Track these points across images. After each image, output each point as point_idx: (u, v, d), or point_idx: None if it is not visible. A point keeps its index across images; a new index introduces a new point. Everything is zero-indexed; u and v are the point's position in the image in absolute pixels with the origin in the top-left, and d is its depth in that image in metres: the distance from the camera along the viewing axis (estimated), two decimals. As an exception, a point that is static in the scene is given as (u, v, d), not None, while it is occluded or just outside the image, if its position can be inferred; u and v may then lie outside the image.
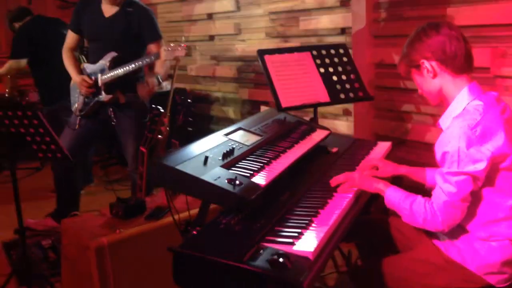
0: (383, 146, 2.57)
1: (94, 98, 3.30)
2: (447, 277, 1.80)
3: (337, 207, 1.78)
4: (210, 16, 5.06)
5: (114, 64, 3.21)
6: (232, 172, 1.75)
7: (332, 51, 2.87)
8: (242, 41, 4.79)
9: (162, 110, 2.21)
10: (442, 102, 1.89)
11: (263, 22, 4.53)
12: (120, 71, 3.15)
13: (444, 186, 1.70)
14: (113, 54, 3.23)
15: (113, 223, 2.11)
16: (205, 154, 1.81)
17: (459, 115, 1.76)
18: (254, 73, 4.76)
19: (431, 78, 1.84)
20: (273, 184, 1.79)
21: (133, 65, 3.10)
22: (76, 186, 3.57)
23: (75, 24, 3.42)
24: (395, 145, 3.30)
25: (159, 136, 2.21)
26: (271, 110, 2.64)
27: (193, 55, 5.42)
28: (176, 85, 5.35)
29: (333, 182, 2.00)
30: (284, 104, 2.56)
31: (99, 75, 3.27)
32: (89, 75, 3.33)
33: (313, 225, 1.64)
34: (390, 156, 2.54)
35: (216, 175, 1.68)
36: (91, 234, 2.02)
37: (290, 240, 1.52)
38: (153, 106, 2.23)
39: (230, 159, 1.84)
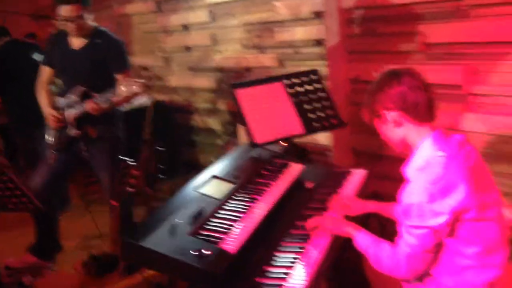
0: (358, 177, 2.54)
1: (65, 132, 3.25)
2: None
3: (309, 265, 1.76)
4: (185, 27, 4.98)
5: (82, 99, 3.16)
6: (201, 239, 1.72)
7: (304, 79, 2.83)
8: (219, 52, 4.72)
9: (132, 163, 2.17)
10: (406, 149, 1.88)
11: (239, 33, 4.47)
12: (87, 105, 3.10)
13: (407, 238, 1.72)
14: (81, 88, 3.18)
15: (87, 282, 2.08)
16: (172, 222, 1.78)
17: (421, 168, 1.75)
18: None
19: (394, 127, 1.84)
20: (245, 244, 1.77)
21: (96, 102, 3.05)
22: (53, 217, 3.52)
23: (47, 59, 3.39)
24: (373, 162, 3.31)
25: (130, 189, 2.17)
26: (245, 147, 2.61)
27: (170, 66, 5.35)
28: (155, 97, 5.31)
29: (308, 226, 2.02)
30: (258, 140, 2.52)
31: (69, 109, 3.21)
32: (60, 109, 3.27)
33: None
34: (366, 184, 2.54)
35: (183, 246, 1.66)
36: (65, 298, 1.99)
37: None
38: (123, 158, 2.19)
39: (199, 222, 1.81)
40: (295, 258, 1.82)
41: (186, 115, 5.36)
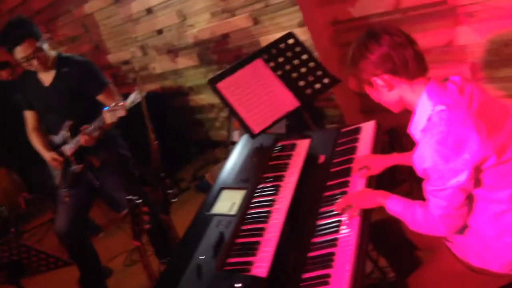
0: (368, 130, 2.43)
1: (70, 169, 3.20)
2: (475, 282, 1.76)
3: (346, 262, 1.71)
4: (149, 11, 4.75)
5: (73, 133, 3.07)
6: (229, 272, 1.68)
7: (282, 46, 2.66)
8: (191, 27, 4.52)
9: (138, 201, 2.12)
10: (404, 109, 1.77)
11: (204, 2, 4.24)
12: (79, 139, 3.02)
13: (435, 201, 1.65)
14: (69, 123, 3.08)
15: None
16: (195, 260, 1.73)
17: (425, 129, 1.64)
18: (215, 55, 4.54)
19: (387, 91, 1.71)
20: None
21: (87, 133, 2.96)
22: (88, 248, 3.51)
23: (25, 103, 3.25)
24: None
25: (146, 225, 2.13)
26: (245, 139, 2.51)
27: (149, 53, 5.18)
28: (144, 87, 5.20)
29: (337, 209, 1.95)
30: (255, 130, 2.41)
31: (65, 146, 3.14)
32: (57, 147, 3.20)
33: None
34: (378, 135, 2.44)
35: (214, 287, 1.61)
36: None
37: None
38: (128, 198, 2.14)
39: (222, 252, 1.76)
40: (330, 254, 1.77)
41: (181, 98, 5.25)
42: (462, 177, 1.56)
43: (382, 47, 1.64)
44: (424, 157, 1.62)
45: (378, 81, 1.69)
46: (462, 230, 1.74)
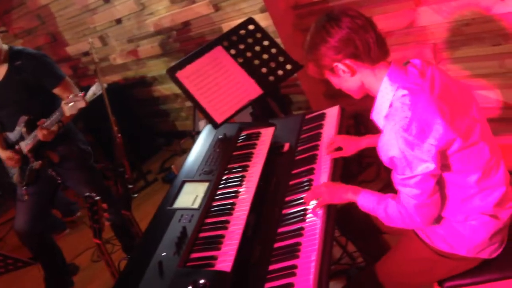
0: (332, 115, 2.40)
1: (28, 166, 3.07)
2: (443, 267, 1.75)
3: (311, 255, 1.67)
4: (106, 0, 4.59)
5: (29, 128, 2.94)
6: (192, 268, 1.62)
7: (242, 32, 2.59)
8: (151, 15, 4.40)
9: (96, 198, 2.03)
10: (367, 94, 1.72)
11: (162, -11, 4.13)
12: (37, 134, 2.90)
13: (406, 190, 1.59)
14: (24, 118, 2.95)
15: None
16: (157, 257, 1.67)
17: (388, 115, 1.59)
18: (178, 43, 4.44)
19: (350, 77, 1.65)
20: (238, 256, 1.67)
21: (45, 127, 2.83)
22: (51, 247, 3.41)
23: None
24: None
25: (106, 222, 2.05)
26: (208, 129, 2.45)
27: (109, 44, 5.02)
28: (105, 79, 5.06)
29: (305, 202, 1.90)
30: (218, 119, 2.34)
31: (21, 143, 3.01)
32: (13, 144, 3.07)
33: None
34: (343, 120, 2.42)
35: (177, 284, 1.55)
36: None
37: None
38: (86, 195, 2.05)
39: (184, 247, 1.70)
40: (296, 244, 1.73)
41: (145, 88, 5.13)
42: (430, 162, 1.52)
43: (343, 30, 1.57)
44: (389, 144, 1.56)
45: (340, 66, 1.63)
46: (437, 220, 1.70)
